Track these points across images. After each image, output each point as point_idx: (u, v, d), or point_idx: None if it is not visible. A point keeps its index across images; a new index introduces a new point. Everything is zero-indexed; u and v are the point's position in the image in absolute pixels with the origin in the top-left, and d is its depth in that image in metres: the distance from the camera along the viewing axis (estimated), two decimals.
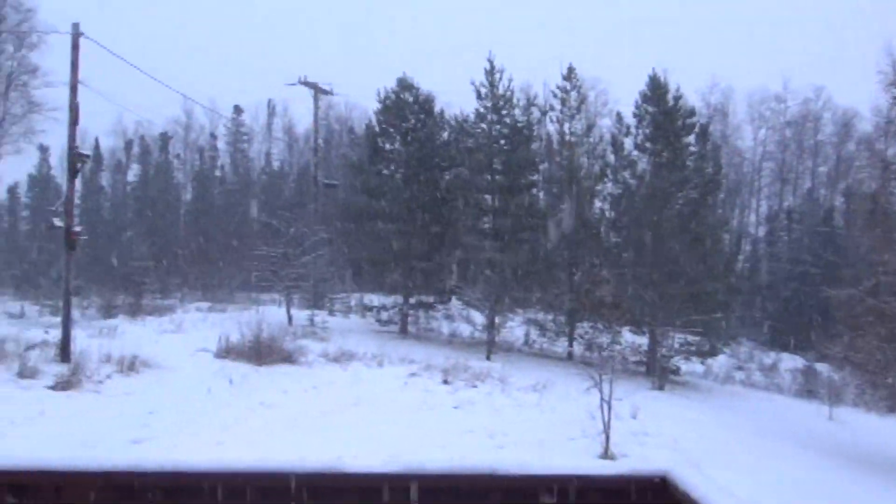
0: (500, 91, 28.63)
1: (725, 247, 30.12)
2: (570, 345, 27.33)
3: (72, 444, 10.31)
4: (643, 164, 28.16)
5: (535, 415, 14.83)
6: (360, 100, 60.19)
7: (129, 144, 67.58)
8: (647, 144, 27.92)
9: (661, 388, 22.29)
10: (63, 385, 14.81)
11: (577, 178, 28.71)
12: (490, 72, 28.51)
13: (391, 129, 30.65)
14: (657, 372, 23.66)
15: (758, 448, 14.61)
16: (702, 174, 27.49)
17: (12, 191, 65.02)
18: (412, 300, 29.54)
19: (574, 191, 28.33)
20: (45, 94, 38.49)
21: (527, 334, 29.02)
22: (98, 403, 13.89)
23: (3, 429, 11.26)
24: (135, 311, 29.66)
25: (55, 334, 19.59)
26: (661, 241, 25.39)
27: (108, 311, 29.42)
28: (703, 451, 12.35)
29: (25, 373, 15.44)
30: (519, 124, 29.45)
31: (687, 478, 2.18)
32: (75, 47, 18.93)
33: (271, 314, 27.27)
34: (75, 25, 19.06)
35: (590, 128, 32.60)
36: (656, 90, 27.76)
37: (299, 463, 2.23)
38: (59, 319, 21.08)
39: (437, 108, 31.11)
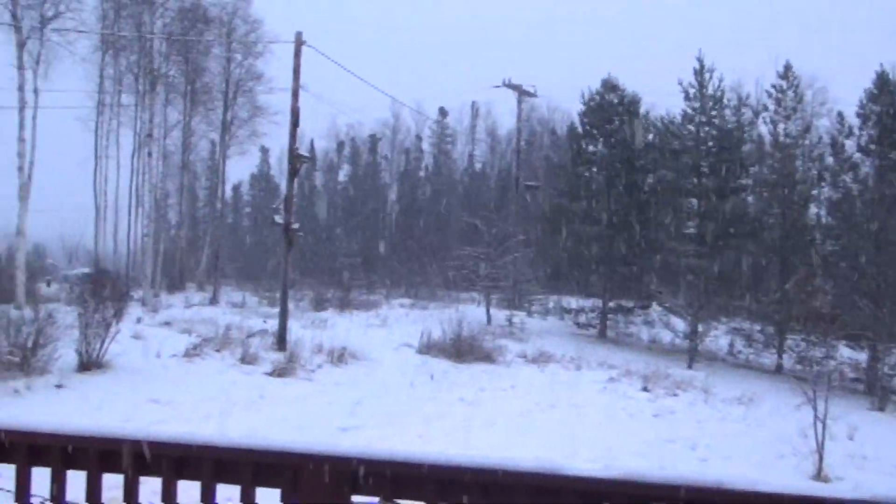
0: (710, 91, 27.62)
1: None
2: (780, 357, 25.91)
3: (288, 428, 10.98)
4: (867, 167, 26.24)
5: (740, 428, 14.19)
6: (563, 102, 59.98)
7: (340, 146, 71.03)
8: (872, 146, 25.96)
9: (881, 408, 20.62)
10: (279, 372, 15.82)
11: (791, 182, 27.19)
12: (699, 71, 27.58)
13: (594, 131, 30.37)
14: (878, 391, 21.93)
15: None
16: None
17: (236, 189, 70.17)
18: (611, 304, 29.12)
19: (787, 195, 26.85)
20: (267, 100, 41.35)
21: (731, 344, 27.77)
22: (310, 391, 14.70)
23: (229, 409, 12.18)
24: (343, 305, 31.16)
25: (273, 324, 20.99)
26: (885, 250, 23.54)
27: (320, 304, 31.08)
28: None
29: (247, 359, 16.63)
30: (729, 125, 28.29)
31: None
32: (297, 55, 20.18)
33: (470, 313, 27.77)
34: (298, 34, 20.31)
35: (807, 128, 30.77)
36: (884, 88, 25.76)
37: (512, 460, 2.27)
38: (276, 310, 22.58)
39: (642, 110, 30.49)
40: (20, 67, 26.32)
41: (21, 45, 26.40)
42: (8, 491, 2.82)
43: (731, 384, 19.28)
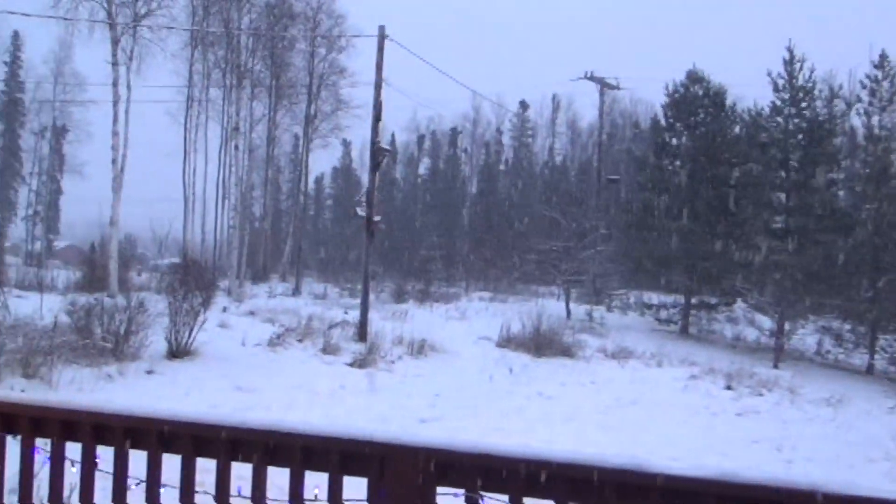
0: (800, 82, 26.78)
1: None
2: (871, 358, 25.00)
3: (368, 419, 11.11)
4: None
5: (828, 431, 13.74)
6: (646, 94, 59.14)
7: (421, 139, 71.43)
8: None
9: None
10: (360, 363, 16.02)
11: (885, 177, 26.18)
12: (789, 62, 26.76)
13: (678, 124, 29.81)
14: None
15: None
16: None
17: (318, 181, 71.29)
18: (694, 300, 28.58)
19: (881, 190, 25.87)
20: (350, 93, 41.92)
21: (820, 343, 26.92)
22: (390, 382, 14.85)
23: (311, 399, 12.42)
24: (423, 298, 31.33)
25: (353, 315, 21.26)
26: None
27: (400, 296, 31.33)
28: None
29: (328, 349, 16.89)
30: (820, 117, 27.37)
31: None
32: (380, 49, 20.35)
33: (550, 307, 27.59)
34: (381, 28, 20.48)
35: None
36: None
37: (600, 455, 2.26)
38: (357, 301, 22.87)
39: (728, 102, 29.76)
40: (114, 63, 27.26)
41: (115, 42, 27.35)
42: (109, 473, 2.94)
43: (819, 384, 18.69)
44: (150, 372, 13.09)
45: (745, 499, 1.97)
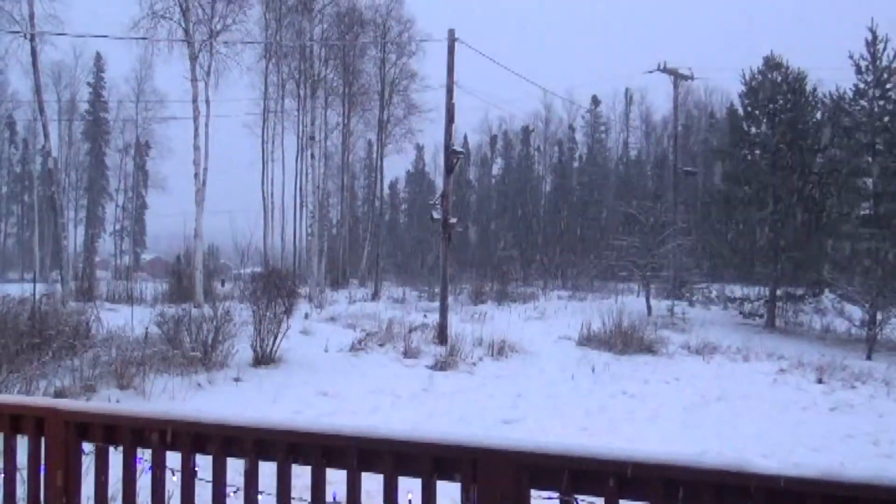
0: (884, 63, 25.86)
1: None
2: None
3: (451, 421, 11.17)
4: None
5: None
6: (721, 83, 57.93)
7: (493, 140, 71.44)
8: None
9: None
10: (441, 365, 16.09)
11: None
12: (872, 42, 25.88)
13: (757, 112, 29.08)
14: None
15: None
16: None
17: (393, 186, 71.95)
18: (779, 292, 27.83)
19: None
20: (421, 97, 42.23)
21: None
22: (472, 384, 14.87)
23: (393, 402, 12.55)
24: (501, 298, 31.31)
25: (433, 318, 21.37)
26: None
27: (478, 298, 31.38)
28: None
29: (409, 352, 17.02)
30: None
31: None
32: (450, 52, 20.42)
33: (630, 304, 27.26)
34: (451, 32, 20.55)
35: None
36: None
37: (701, 456, 2.22)
38: (435, 304, 22.99)
39: (808, 87, 28.91)
40: (193, 79, 28.03)
41: (193, 59, 28.11)
42: (207, 481, 3.03)
43: None
44: (237, 380, 13.40)
45: (853, 499, 1.90)
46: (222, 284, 31.63)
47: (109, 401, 10.87)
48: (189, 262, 28.38)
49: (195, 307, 18.73)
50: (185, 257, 29.75)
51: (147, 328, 14.58)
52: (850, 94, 26.88)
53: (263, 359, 14.82)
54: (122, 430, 3.16)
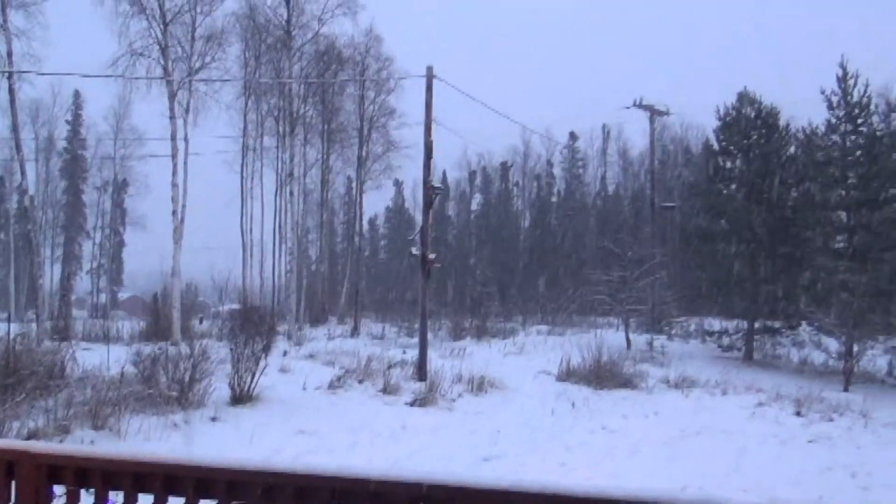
0: (855, 98, 26.34)
1: None
2: None
3: (430, 458, 11.12)
4: None
5: None
6: (696, 118, 58.65)
7: (472, 175, 71.74)
8: None
9: None
10: (421, 402, 16.03)
11: None
12: (843, 78, 26.37)
13: (731, 147, 29.49)
14: None
15: None
16: None
17: (372, 222, 71.97)
18: (756, 325, 28.01)
19: None
20: (400, 133, 42.46)
21: (891, 364, 26.13)
22: (451, 421, 14.82)
23: (372, 440, 12.47)
24: (481, 334, 31.30)
25: (412, 354, 21.32)
26: None
27: (458, 334, 31.34)
28: None
29: (388, 389, 16.94)
30: (878, 133, 26.86)
31: None
32: (429, 89, 20.61)
33: (609, 338, 27.32)
34: (429, 69, 20.75)
35: None
36: None
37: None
38: (415, 340, 22.94)
39: (781, 122, 29.38)
40: (172, 117, 28.05)
41: (172, 97, 28.16)
42: None
43: (893, 407, 18.11)
44: (214, 419, 13.27)
45: None
46: (200, 322, 31.44)
47: (83, 442, 10.73)
48: (166, 300, 28.19)
49: (172, 345, 18.58)
50: (162, 295, 29.58)
51: (123, 367, 14.43)
52: (823, 128, 27.31)
53: (241, 397, 14.69)
54: (95, 472, 3.13)
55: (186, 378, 14.06)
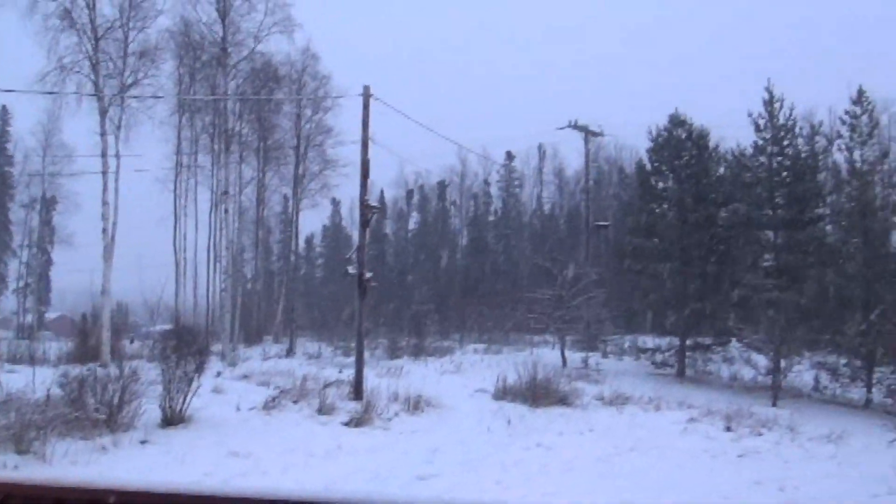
0: (781, 121, 27.20)
1: None
2: (868, 391, 24.93)
3: (364, 478, 11.03)
4: None
5: (831, 468, 13.66)
6: (629, 139, 59.67)
7: (409, 194, 71.73)
8: None
9: None
10: (356, 421, 15.88)
11: (871, 210, 26.45)
12: (769, 101, 27.21)
13: (663, 167, 30.14)
14: None
15: None
16: None
17: (309, 241, 71.31)
18: (688, 342, 28.55)
19: (867, 223, 26.12)
20: (337, 152, 42.21)
21: (816, 379, 26.87)
22: (387, 440, 14.73)
23: (306, 461, 12.31)
24: (418, 353, 31.26)
25: (348, 373, 21.14)
26: None
27: (394, 352, 31.24)
28: None
29: (324, 409, 16.72)
30: (803, 155, 27.77)
31: None
32: (365, 108, 20.59)
33: (545, 356, 27.57)
34: (366, 88, 20.75)
35: (884, 154, 29.86)
36: None
37: None
38: (351, 359, 22.76)
39: (711, 143, 30.14)
40: (102, 134, 27.41)
41: (103, 113, 27.56)
42: None
43: (819, 421, 18.62)
44: (144, 442, 12.95)
45: None
46: (131, 342, 30.68)
47: (6, 467, 10.37)
48: (96, 320, 27.48)
49: (101, 367, 18.11)
50: (91, 315, 28.83)
51: (49, 390, 13.98)
52: (751, 150, 28.10)
53: (173, 419, 14.37)
54: (16, 499, 3.03)
55: (115, 400, 13.67)
